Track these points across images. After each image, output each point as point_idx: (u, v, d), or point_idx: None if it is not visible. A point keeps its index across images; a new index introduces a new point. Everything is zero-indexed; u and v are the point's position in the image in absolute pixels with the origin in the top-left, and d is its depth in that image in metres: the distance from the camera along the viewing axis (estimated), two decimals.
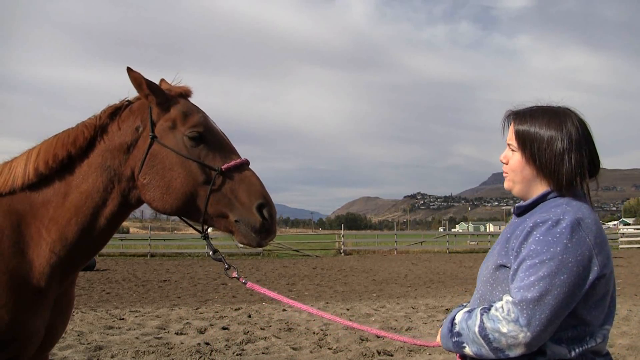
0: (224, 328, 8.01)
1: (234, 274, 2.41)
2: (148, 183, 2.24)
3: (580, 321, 1.63)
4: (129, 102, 2.39)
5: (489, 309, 1.67)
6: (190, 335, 7.52)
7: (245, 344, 6.96)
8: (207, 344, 6.90)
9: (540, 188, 1.75)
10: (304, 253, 28.93)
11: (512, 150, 1.80)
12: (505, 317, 1.60)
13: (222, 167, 2.21)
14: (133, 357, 6.20)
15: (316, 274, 17.90)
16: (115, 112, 2.36)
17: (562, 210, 1.64)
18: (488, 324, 1.63)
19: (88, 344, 6.77)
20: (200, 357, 6.22)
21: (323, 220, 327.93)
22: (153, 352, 6.38)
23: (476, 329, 1.65)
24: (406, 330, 7.93)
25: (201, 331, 7.82)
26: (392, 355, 6.44)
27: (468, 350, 1.69)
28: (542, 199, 1.74)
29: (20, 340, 2.18)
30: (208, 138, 2.27)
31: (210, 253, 2.40)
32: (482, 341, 1.63)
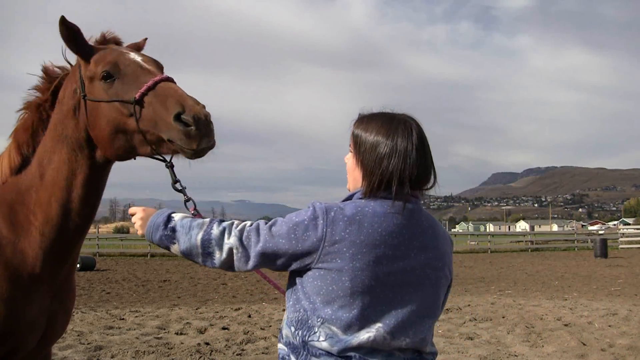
0: (224, 328, 8.01)
1: (192, 210, 2.25)
2: (96, 136, 2.21)
3: (307, 307, 1.68)
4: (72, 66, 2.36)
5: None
6: (190, 335, 7.52)
7: (245, 344, 6.96)
8: (207, 344, 6.90)
9: None
10: None
11: (350, 151, 1.85)
12: (233, 232, 1.72)
13: (136, 95, 2.08)
14: (133, 357, 6.20)
15: None
16: (62, 79, 2.34)
17: (337, 203, 1.72)
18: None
19: (88, 344, 6.77)
20: (200, 357, 6.23)
21: None
22: (153, 352, 6.38)
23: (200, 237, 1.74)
24: None
25: (201, 331, 7.83)
26: None
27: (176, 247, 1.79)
28: (349, 198, 1.79)
29: (19, 330, 2.17)
30: (120, 73, 2.17)
31: (172, 183, 2.26)
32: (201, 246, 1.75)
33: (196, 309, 9.99)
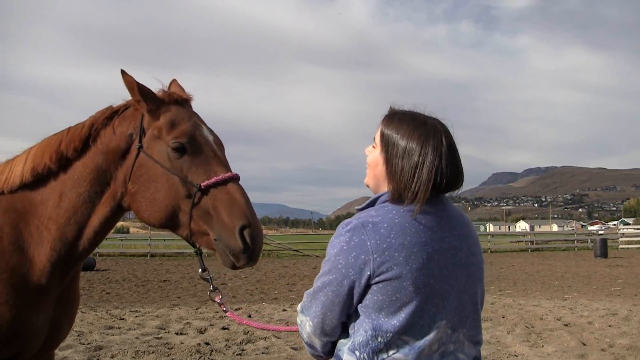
0: (224, 328, 8.01)
1: (218, 298, 2.37)
2: (135, 192, 2.22)
3: (370, 326, 1.63)
4: (127, 106, 2.35)
5: None
6: (190, 335, 7.52)
7: (245, 344, 6.95)
8: (207, 344, 6.90)
9: (385, 189, 1.78)
10: (304, 253, 28.92)
11: (374, 146, 1.83)
12: (299, 309, 1.81)
13: (202, 184, 2.10)
14: (133, 357, 6.20)
15: (316, 274, 17.85)
16: (111, 115, 2.33)
17: (367, 214, 1.69)
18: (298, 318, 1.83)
19: (88, 344, 6.77)
20: (200, 357, 6.22)
21: (323, 220, 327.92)
22: (153, 352, 6.37)
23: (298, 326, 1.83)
24: None
25: (201, 331, 7.82)
26: None
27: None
28: (375, 201, 1.77)
29: (22, 337, 2.18)
30: (193, 149, 2.17)
31: (200, 271, 2.35)
32: (302, 337, 1.82)
33: (196, 309, 9.98)
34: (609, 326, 8.07)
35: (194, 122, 2.27)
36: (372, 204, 1.77)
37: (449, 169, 1.70)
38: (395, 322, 1.61)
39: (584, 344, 6.89)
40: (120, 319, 8.80)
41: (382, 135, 1.78)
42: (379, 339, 1.62)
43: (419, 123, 1.75)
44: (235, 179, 2.16)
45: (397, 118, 1.79)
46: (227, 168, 2.20)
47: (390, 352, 1.62)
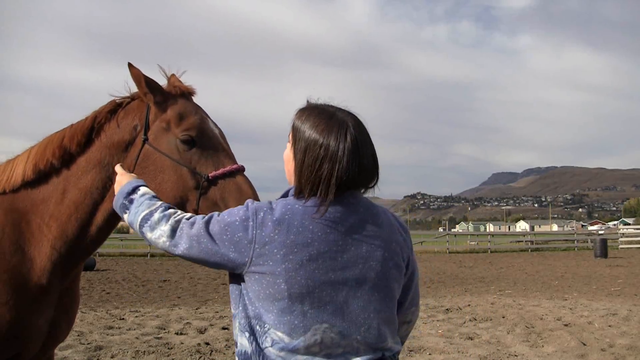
0: (224, 328, 8.01)
1: None
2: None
3: (252, 313, 1.63)
4: (131, 99, 2.35)
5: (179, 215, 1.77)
6: (190, 335, 7.52)
7: None
8: (207, 344, 6.90)
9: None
10: None
11: (289, 141, 1.79)
12: (169, 227, 1.73)
13: (210, 174, 2.12)
14: (133, 357, 6.20)
15: None
16: (115, 108, 2.33)
17: (268, 204, 1.68)
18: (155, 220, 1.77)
19: (88, 344, 6.77)
20: (200, 357, 6.23)
21: None
22: (153, 352, 6.38)
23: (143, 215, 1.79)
24: None
25: (201, 331, 7.83)
26: None
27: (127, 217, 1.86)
28: (286, 193, 1.75)
29: (22, 338, 2.18)
30: (202, 142, 2.19)
31: None
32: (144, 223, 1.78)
33: (196, 309, 9.99)
34: (609, 326, 8.07)
35: (201, 115, 2.28)
36: (285, 195, 1.75)
37: (351, 164, 1.62)
38: (270, 315, 1.59)
39: (584, 344, 6.89)
40: (120, 319, 8.80)
41: (292, 128, 1.74)
42: (258, 328, 1.61)
43: (325, 116, 1.69)
44: (242, 170, 2.18)
45: (306, 112, 1.74)
46: (234, 160, 2.22)
47: (267, 345, 1.60)
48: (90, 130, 2.29)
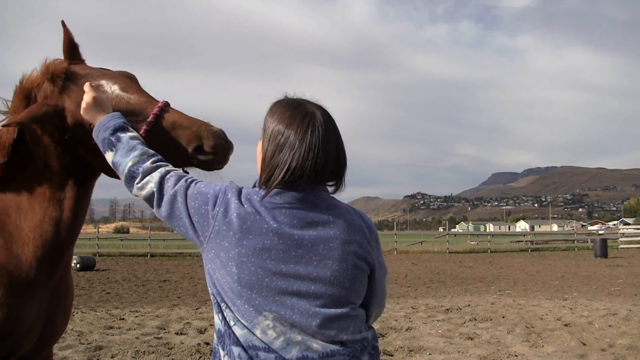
0: None
1: None
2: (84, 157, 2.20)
3: (215, 290, 1.66)
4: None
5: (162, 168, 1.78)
6: (190, 335, 7.52)
7: None
8: (207, 344, 6.90)
9: None
10: None
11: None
12: (157, 181, 1.73)
13: (141, 131, 2.00)
14: (133, 357, 6.20)
15: None
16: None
17: (237, 187, 1.71)
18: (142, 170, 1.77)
19: (88, 344, 6.77)
20: (200, 357, 6.23)
21: None
22: (153, 352, 6.38)
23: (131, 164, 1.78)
24: (406, 330, 7.93)
25: (201, 331, 7.83)
26: (392, 355, 6.44)
27: (111, 155, 1.84)
28: (254, 186, 1.76)
29: (14, 334, 2.17)
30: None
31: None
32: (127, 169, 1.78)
33: (196, 309, 9.99)
34: (609, 326, 8.07)
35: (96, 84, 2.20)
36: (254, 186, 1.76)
37: (310, 155, 1.61)
38: (228, 295, 1.62)
39: (584, 344, 6.89)
40: (120, 319, 8.80)
41: (264, 120, 1.75)
42: (223, 306, 1.63)
43: (292, 107, 1.70)
44: (167, 105, 2.11)
45: (277, 104, 1.75)
46: (156, 100, 2.13)
47: (232, 323, 1.62)
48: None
